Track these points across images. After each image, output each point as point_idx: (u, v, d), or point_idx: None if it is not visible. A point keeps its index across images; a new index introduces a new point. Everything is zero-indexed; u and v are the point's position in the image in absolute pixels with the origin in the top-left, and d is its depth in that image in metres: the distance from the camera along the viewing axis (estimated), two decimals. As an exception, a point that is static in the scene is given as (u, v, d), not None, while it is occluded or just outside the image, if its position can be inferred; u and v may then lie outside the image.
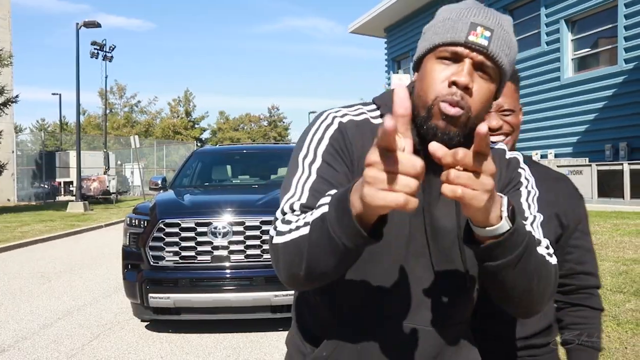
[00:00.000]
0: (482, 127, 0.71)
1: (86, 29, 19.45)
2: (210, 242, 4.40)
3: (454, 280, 1.05)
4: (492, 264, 0.85)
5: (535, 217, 1.03)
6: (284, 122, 52.92)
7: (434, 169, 0.90)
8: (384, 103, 1.09)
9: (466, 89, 0.94)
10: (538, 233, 0.99)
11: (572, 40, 15.14)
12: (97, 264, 8.39)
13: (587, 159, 13.33)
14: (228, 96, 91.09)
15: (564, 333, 1.49)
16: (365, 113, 1.09)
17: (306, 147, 1.04)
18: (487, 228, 0.81)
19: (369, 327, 1.06)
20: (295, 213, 0.94)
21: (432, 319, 1.05)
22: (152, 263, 4.40)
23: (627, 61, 13.18)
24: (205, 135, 50.22)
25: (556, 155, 14.40)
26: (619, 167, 11.52)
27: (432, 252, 1.04)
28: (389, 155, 0.68)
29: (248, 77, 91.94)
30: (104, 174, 23.65)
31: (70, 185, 24.97)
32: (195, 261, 4.40)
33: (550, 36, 15.49)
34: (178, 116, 46.27)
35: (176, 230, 4.42)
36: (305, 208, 0.94)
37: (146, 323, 4.99)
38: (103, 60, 24.96)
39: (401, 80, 8.49)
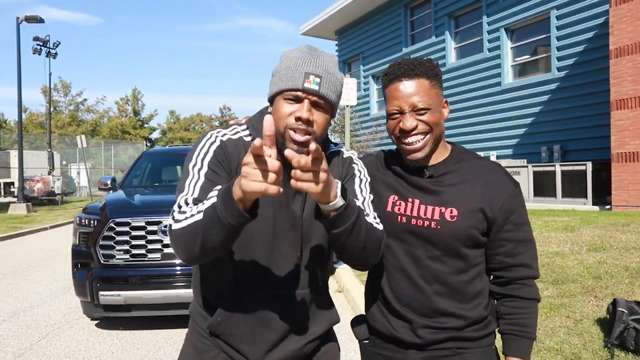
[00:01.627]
0: (312, 146, 1.05)
1: (27, 23, 18.79)
2: (160, 241, 4.52)
3: (312, 253, 1.43)
4: (336, 231, 1.21)
5: (365, 197, 1.44)
6: (235, 122, 52.51)
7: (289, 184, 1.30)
8: (252, 125, 1.44)
9: (308, 122, 1.30)
10: (369, 209, 1.41)
11: (511, 47, 15.99)
12: (43, 266, 8.26)
13: (525, 160, 14.13)
14: (178, 95, 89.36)
15: (500, 323, 1.50)
16: (239, 132, 1.43)
17: (195, 158, 1.36)
18: (329, 204, 1.16)
19: (252, 295, 1.40)
20: (189, 206, 1.25)
21: (298, 283, 1.42)
22: (102, 261, 4.48)
23: (559, 69, 14.08)
24: (155, 135, 49.24)
25: (498, 157, 15.16)
26: (552, 168, 12.32)
27: (294, 234, 1.40)
28: (258, 159, 1.03)
29: (199, 77, 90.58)
30: (49, 174, 22.84)
31: (12, 186, 23.96)
32: (146, 259, 4.52)
33: (492, 43, 16.29)
34: (126, 115, 45.12)
35: (126, 229, 4.52)
36: (197, 201, 1.26)
37: (96, 321, 5.05)
38: (47, 56, 24.06)
39: (347, 84, 8.81)
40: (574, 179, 11.77)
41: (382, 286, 1.54)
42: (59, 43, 24.24)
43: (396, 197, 1.53)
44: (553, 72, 14.23)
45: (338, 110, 15.10)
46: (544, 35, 14.66)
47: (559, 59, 14.07)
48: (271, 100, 1.37)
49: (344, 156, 1.52)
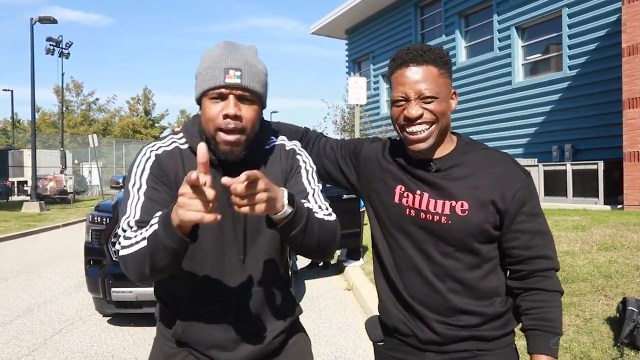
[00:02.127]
0: (242, 176, 1.05)
1: (41, 24, 19.00)
2: (172, 238, 4.57)
3: (260, 252, 1.44)
4: (290, 234, 1.23)
5: (314, 189, 1.44)
6: (245, 122, 52.50)
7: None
8: (186, 131, 1.45)
9: (236, 117, 1.30)
10: (319, 199, 1.42)
11: (522, 46, 15.89)
12: (56, 263, 8.37)
13: (536, 159, 14.03)
14: (189, 96, 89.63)
15: (522, 320, 1.42)
16: (175, 142, 1.44)
17: (133, 177, 1.37)
18: (278, 214, 1.17)
19: (207, 303, 1.43)
20: (133, 229, 1.27)
21: (251, 285, 1.44)
22: (114, 258, 4.54)
23: (570, 68, 13.96)
24: (166, 134, 49.52)
25: (508, 156, 15.09)
26: (563, 167, 12.23)
27: (241, 240, 1.42)
28: (195, 188, 1.04)
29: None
30: (61, 173, 23.10)
31: (25, 185, 24.25)
32: (157, 256, 4.56)
33: (502, 42, 16.18)
34: (137, 115, 45.45)
35: (138, 226, 4.57)
36: (140, 222, 1.27)
37: (108, 318, 5.12)
38: (59, 57, 24.35)
39: (357, 83, 8.82)
40: (585, 178, 11.68)
41: (394, 282, 1.49)
42: (72, 43, 24.54)
43: (403, 188, 1.46)
44: (564, 71, 14.12)
45: (348, 110, 15.04)
46: (555, 34, 14.54)
47: (571, 57, 13.96)
48: (199, 102, 1.36)
49: (287, 148, 1.50)
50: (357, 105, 9.51)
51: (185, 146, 1.42)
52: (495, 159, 1.44)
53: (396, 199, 1.47)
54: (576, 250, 6.08)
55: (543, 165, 12.78)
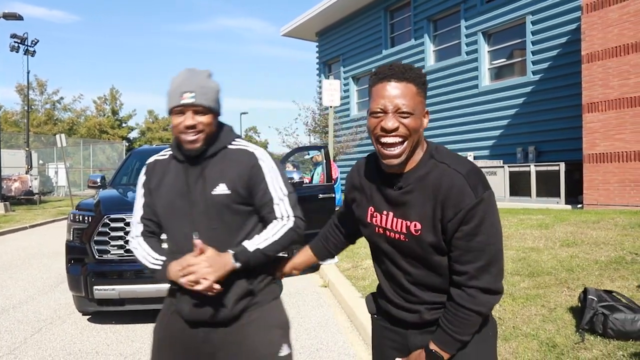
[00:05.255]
0: (197, 242, 1.68)
1: (5, 20, 18.47)
2: (154, 236, 4.64)
3: (213, 236, 1.79)
4: (252, 267, 1.75)
5: (279, 195, 1.80)
6: (215, 122, 51.91)
7: (190, 174, 1.78)
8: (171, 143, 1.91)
9: (194, 127, 1.72)
10: (284, 207, 1.81)
11: (488, 51, 16.42)
12: (27, 265, 8.25)
13: (501, 160, 14.53)
14: (157, 95, 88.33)
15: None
16: (165, 153, 1.92)
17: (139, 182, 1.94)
18: (229, 268, 1.69)
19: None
20: (139, 223, 1.87)
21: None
22: (97, 257, 4.59)
23: (534, 73, 14.53)
24: (134, 134, 48.67)
25: (475, 157, 15.57)
26: (527, 169, 12.73)
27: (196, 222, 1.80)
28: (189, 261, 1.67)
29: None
30: (26, 173, 22.50)
31: (-13, 186, 23.48)
32: (140, 254, 4.62)
33: (469, 47, 16.68)
34: (104, 115, 44.53)
35: (121, 225, 4.63)
36: (143, 219, 1.87)
37: (88, 316, 5.14)
38: (24, 54, 23.70)
39: (331, 85, 9.00)
40: (548, 179, 12.19)
41: (380, 280, 1.69)
42: (38, 41, 23.90)
43: (373, 209, 1.60)
44: (528, 76, 14.68)
45: (319, 111, 15.23)
46: (520, 40, 15.10)
47: (534, 62, 14.52)
48: (170, 115, 1.79)
49: (249, 150, 1.84)
50: (330, 107, 9.69)
51: (168, 155, 1.88)
52: (449, 177, 1.46)
53: (368, 219, 1.62)
54: (540, 246, 6.42)
55: (508, 166, 13.26)
